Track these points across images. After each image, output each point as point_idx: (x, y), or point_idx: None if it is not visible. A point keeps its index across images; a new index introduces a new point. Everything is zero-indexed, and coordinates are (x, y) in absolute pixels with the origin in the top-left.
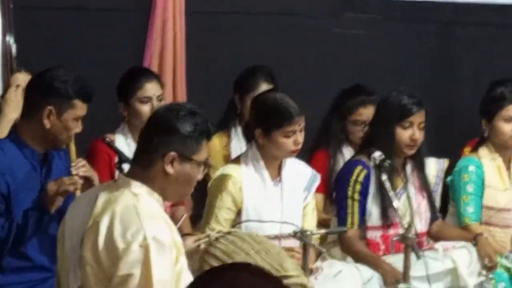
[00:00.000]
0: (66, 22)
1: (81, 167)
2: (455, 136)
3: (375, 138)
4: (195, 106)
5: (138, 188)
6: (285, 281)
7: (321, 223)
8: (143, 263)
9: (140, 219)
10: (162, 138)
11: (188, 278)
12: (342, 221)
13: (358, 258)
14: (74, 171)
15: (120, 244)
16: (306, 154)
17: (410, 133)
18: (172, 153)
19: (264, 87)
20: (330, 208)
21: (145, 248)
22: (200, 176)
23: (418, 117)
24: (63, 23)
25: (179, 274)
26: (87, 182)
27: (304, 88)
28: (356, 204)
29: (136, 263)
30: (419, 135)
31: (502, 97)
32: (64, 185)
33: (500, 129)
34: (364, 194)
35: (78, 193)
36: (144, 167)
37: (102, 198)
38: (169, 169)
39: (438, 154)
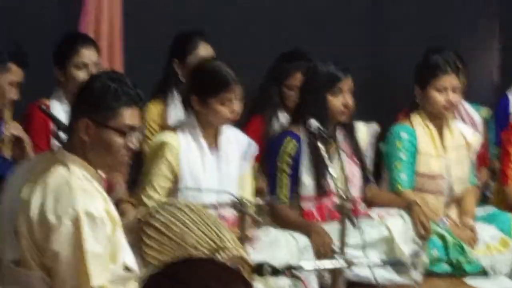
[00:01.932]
0: None
1: (13, 127)
2: (388, 101)
3: (307, 108)
4: (122, 73)
5: (72, 161)
6: (223, 254)
7: (257, 191)
8: (74, 237)
9: (71, 194)
10: (77, 104)
11: (127, 252)
12: (272, 192)
13: (289, 224)
14: (6, 131)
15: (52, 219)
16: (243, 120)
17: (342, 99)
18: (84, 119)
19: (202, 47)
20: (261, 176)
21: (76, 222)
22: (132, 144)
23: (347, 83)
24: None
25: (116, 248)
26: (19, 144)
27: (240, 53)
28: (285, 176)
29: (68, 237)
30: (350, 100)
31: (436, 66)
32: None
33: (433, 99)
34: (294, 166)
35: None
36: (70, 135)
37: (36, 169)
38: (83, 136)
39: (370, 119)
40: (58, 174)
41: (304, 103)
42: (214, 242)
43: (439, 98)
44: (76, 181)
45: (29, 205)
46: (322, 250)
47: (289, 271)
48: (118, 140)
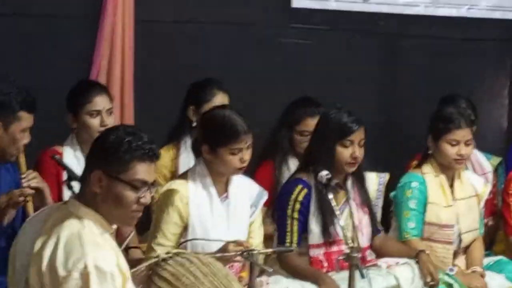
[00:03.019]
0: (9, 29)
1: (32, 179)
2: (399, 150)
3: (316, 156)
4: (138, 127)
5: (85, 213)
6: None
7: (265, 236)
8: None
9: (82, 247)
10: (91, 156)
11: None
12: (281, 239)
13: (298, 273)
14: (25, 183)
15: (61, 272)
16: (253, 165)
17: (351, 151)
18: (97, 171)
19: (219, 97)
20: (271, 221)
21: (85, 276)
22: (144, 199)
23: (358, 135)
24: (5, 30)
25: None
26: (38, 193)
27: (253, 98)
28: (296, 223)
29: None
30: (359, 153)
31: (450, 120)
32: (14, 197)
33: (445, 151)
34: (303, 213)
35: (30, 204)
36: (83, 186)
37: (49, 222)
38: (96, 188)
39: (381, 168)
40: (70, 227)
41: (314, 150)
42: None
43: (451, 151)
44: (88, 235)
45: (41, 258)
46: None
47: None
48: (130, 194)
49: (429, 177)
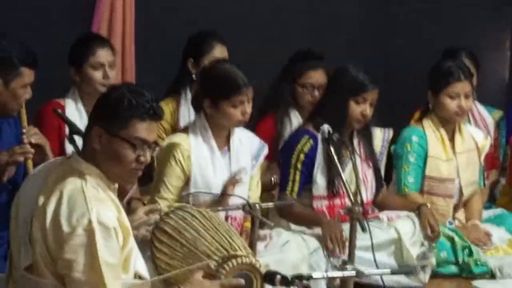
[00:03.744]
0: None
1: (33, 135)
2: (401, 104)
3: (326, 109)
4: (142, 86)
5: (86, 169)
6: (234, 261)
7: (264, 185)
8: (88, 247)
9: (86, 203)
10: (94, 113)
11: (139, 260)
12: (282, 187)
13: (300, 219)
14: (25, 139)
15: (66, 228)
16: (254, 118)
17: (362, 108)
18: (98, 127)
19: (218, 48)
20: (275, 173)
21: (90, 232)
22: (143, 158)
23: (372, 94)
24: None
25: (128, 257)
26: (39, 150)
27: (253, 53)
28: (298, 173)
29: (81, 247)
30: (369, 112)
31: (449, 73)
32: (15, 155)
33: (445, 105)
34: (308, 164)
35: (29, 161)
36: (85, 142)
37: (52, 177)
38: (96, 144)
39: (384, 123)
40: (72, 183)
41: (325, 103)
42: (226, 250)
43: (451, 104)
44: (90, 190)
45: (44, 213)
46: (334, 239)
47: (300, 281)
48: (129, 152)
49: (429, 131)
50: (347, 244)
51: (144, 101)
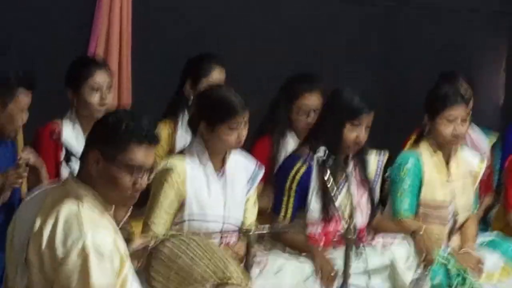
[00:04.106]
0: (7, 4)
1: (29, 156)
2: (397, 127)
3: (321, 133)
4: (139, 111)
5: (84, 192)
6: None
7: (260, 211)
8: (81, 271)
9: (81, 226)
10: (91, 136)
11: (135, 284)
12: (276, 210)
13: (291, 246)
14: (21, 160)
15: (60, 252)
16: (250, 139)
17: (356, 133)
18: (95, 151)
19: (217, 71)
20: (269, 194)
21: (84, 257)
22: (139, 185)
23: (367, 118)
24: (3, 6)
25: (124, 282)
26: (34, 171)
27: (252, 73)
28: (292, 198)
29: (75, 271)
30: (363, 137)
31: (445, 97)
32: (10, 178)
33: (442, 129)
34: (301, 189)
35: (24, 184)
36: (82, 166)
37: (48, 200)
38: (92, 168)
39: (379, 145)
40: (69, 206)
41: (320, 125)
42: (219, 278)
43: (447, 129)
44: (86, 214)
45: (40, 237)
46: (324, 275)
47: None
48: (125, 176)
49: (426, 155)
50: (340, 274)
51: (142, 125)
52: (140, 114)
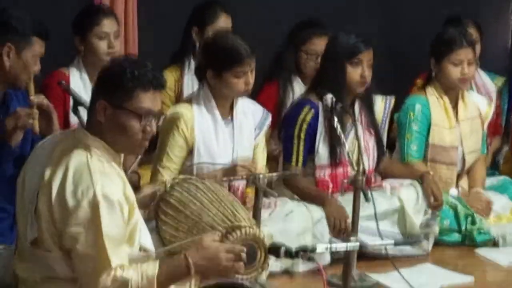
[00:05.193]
0: None
1: (41, 99)
2: (404, 72)
3: (325, 77)
4: (143, 59)
5: (92, 141)
6: (238, 233)
7: (269, 157)
8: (92, 220)
9: (91, 176)
10: (97, 86)
11: (144, 233)
12: (287, 158)
13: (303, 194)
14: (34, 101)
15: (71, 202)
16: (257, 86)
17: (360, 71)
18: (102, 101)
19: (223, 18)
20: (277, 142)
21: (95, 206)
22: (149, 128)
23: (367, 55)
24: None
25: (133, 231)
26: (46, 118)
27: (258, 22)
28: (302, 143)
29: (86, 220)
30: (368, 74)
31: (452, 40)
32: (21, 118)
33: (448, 72)
34: (310, 133)
35: (36, 124)
36: (90, 115)
37: (57, 150)
38: (100, 117)
39: (386, 91)
40: (78, 156)
41: (323, 72)
42: (230, 221)
43: (454, 71)
44: (95, 164)
45: (50, 187)
46: (338, 223)
47: (304, 253)
48: (134, 122)
49: (433, 99)
50: (349, 219)
51: (147, 71)
52: (144, 60)
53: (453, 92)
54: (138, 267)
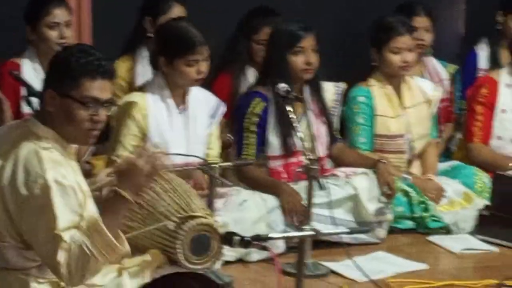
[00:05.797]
0: None
1: None
2: (358, 60)
3: (270, 68)
4: (92, 46)
5: (44, 131)
6: (193, 222)
7: (222, 146)
8: (45, 206)
9: (41, 165)
10: (46, 75)
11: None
12: (238, 151)
13: (257, 184)
14: None
15: (23, 191)
16: (210, 77)
17: (304, 58)
18: (50, 90)
19: (177, 8)
20: (230, 132)
21: (46, 191)
22: (97, 117)
23: (308, 41)
24: None
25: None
26: None
27: (212, 11)
28: (252, 136)
29: (39, 207)
30: (313, 59)
31: (391, 28)
32: None
33: (389, 60)
34: (261, 125)
35: None
36: (41, 105)
37: (9, 140)
38: (49, 106)
39: (340, 79)
40: (28, 147)
41: (268, 63)
42: (184, 211)
43: (395, 59)
44: (46, 153)
45: (1, 178)
46: (293, 209)
47: (258, 242)
48: (81, 111)
49: (376, 88)
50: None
51: (94, 59)
52: (92, 49)
53: (396, 80)
54: (84, 229)
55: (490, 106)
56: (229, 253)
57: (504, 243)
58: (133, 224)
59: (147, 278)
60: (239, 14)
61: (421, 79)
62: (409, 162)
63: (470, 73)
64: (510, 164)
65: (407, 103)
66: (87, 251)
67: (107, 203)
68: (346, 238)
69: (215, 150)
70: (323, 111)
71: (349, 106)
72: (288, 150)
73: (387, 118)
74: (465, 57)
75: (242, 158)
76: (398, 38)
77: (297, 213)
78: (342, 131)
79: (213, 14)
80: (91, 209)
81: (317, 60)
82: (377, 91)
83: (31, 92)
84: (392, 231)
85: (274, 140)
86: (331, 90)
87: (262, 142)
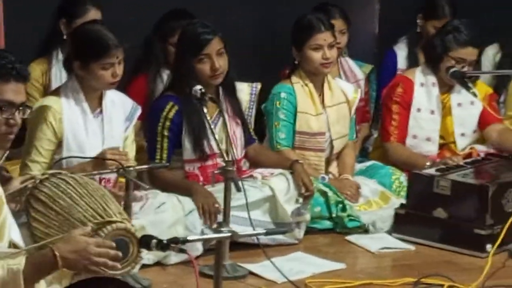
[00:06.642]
0: None
1: None
2: (273, 61)
3: (181, 73)
4: (10, 51)
5: None
6: (109, 227)
7: (139, 150)
8: None
9: None
10: None
11: (13, 228)
12: (151, 156)
13: (170, 187)
14: None
15: None
16: (126, 79)
17: (209, 64)
18: None
19: (92, 12)
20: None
21: None
22: (12, 121)
23: (214, 46)
24: None
25: (1, 226)
26: None
27: (128, 14)
28: (166, 140)
29: None
30: (220, 63)
31: (310, 26)
32: None
33: (310, 58)
34: (174, 130)
35: None
36: None
37: None
38: None
39: (254, 80)
40: None
41: (177, 68)
42: (101, 216)
43: (316, 56)
44: None
45: None
46: (207, 210)
47: (175, 245)
48: None
49: (298, 86)
50: (221, 208)
51: (6, 62)
52: (5, 52)
53: (317, 79)
54: (5, 263)
55: (406, 105)
56: (147, 256)
57: (420, 241)
58: (50, 231)
59: (64, 284)
60: (155, 16)
61: (342, 81)
62: (328, 161)
63: (388, 73)
64: (428, 163)
65: (328, 102)
66: None
67: (38, 254)
68: (264, 239)
69: (131, 153)
70: (238, 112)
71: (271, 102)
72: (203, 153)
73: (308, 115)
74: (383, 56)
75: (154, 162)
76: (317, 35)
77: (211, 214)
78: (262, 128)
79: (129, 17)
80: (13, 236)
81: (224, 63)
82: (299, 89)
83: None
84: (310, 231)
85: (188, 144)
86: (245, 90)
87: (176, 146)
